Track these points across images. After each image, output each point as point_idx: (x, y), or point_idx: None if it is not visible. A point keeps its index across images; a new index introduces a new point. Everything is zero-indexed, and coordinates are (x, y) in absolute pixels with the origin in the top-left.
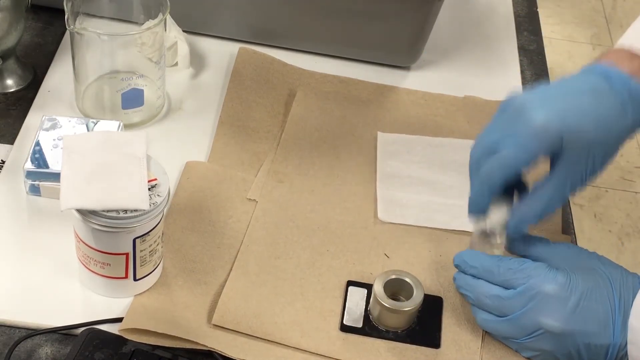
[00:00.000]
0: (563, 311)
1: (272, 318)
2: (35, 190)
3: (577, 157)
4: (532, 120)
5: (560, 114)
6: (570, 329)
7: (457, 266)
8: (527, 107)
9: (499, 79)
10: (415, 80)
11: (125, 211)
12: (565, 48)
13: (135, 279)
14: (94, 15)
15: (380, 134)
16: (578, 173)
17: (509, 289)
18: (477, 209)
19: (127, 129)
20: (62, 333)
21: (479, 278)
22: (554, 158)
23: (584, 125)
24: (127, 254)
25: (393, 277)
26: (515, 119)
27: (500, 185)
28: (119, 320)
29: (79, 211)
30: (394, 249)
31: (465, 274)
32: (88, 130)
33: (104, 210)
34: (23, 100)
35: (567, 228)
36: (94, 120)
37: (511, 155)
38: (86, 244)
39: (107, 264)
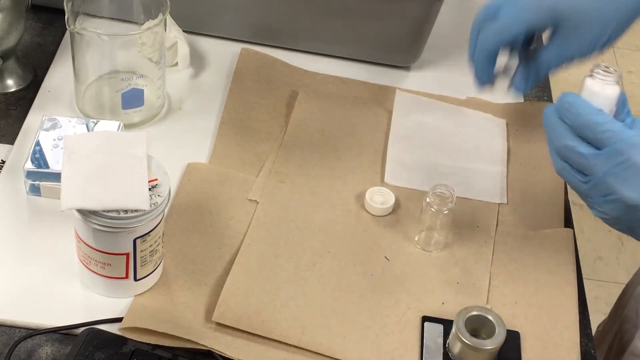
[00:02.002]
0: None
1: (272, 315)
2: (35, 190)
3: (572, 30)
4: None
5: None
6: None
7: (559, 101)
8: None
9: None
10: (415, 80)
11: (126, 211)
12: None
13: (135, 279)
14: (94, 15)
15: (398, 92)
16: (574, 46)
17: (597, 149)
18: (481, 78)
19: (127, 129)
20: (62, 333)
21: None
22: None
23: (580, 1)
24: (127, 254)
25: (474, 313)
26: None
27: (496, 52)
28: (119, 320)
29: (80, 211)
30: (394, 251)
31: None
32: (88, 130)
33: (104, 210)
34: (23, 100)
35: (568, 227)
36: (94, 120)
37: (506, 22)
38: (86, 244)
39: (108, 264)
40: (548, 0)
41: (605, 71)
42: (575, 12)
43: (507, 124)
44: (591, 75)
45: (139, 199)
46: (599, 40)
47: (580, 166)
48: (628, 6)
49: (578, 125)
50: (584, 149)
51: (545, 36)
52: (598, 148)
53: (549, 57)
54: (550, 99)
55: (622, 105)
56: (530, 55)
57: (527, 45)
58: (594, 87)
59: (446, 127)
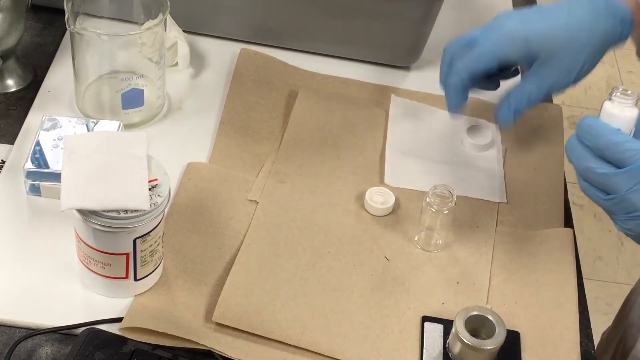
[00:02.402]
0: None
1: (272, 315)
2: (35, 190)
3: (548, 61)
4: (503, 26)
5: (528, 21)
6: None
7: (579, 125)
8: (501, 17)
9: None
10: (415, 80)
11: (126, 211)
12: None
13: (135, 279)
14: (94, 15)
15: (393, 97)
16: (551, 76)
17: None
18: (454, 105)
19: (127, 129)
20: (62, 333)
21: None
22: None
23: (552, 31)
24: (127, 254)
25: (474, 313)
26: (491, 27)
27: (468, 81)
28: (119, 320)
29: (80, 211)
30: (394, 251)
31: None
32: (88, 130)
33: (104, 210)
34: (23, 100)
35: (568, 227)
36: (94, 120)
37: (480, 53)
38: (87, 244)
39: (108, 264)
40: (521, 32)
41: (624, 94)
42: (547, 42)
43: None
44: (610, 99)
45: (139, 199)
46: (574, 69)
47: (602, 185)
48: (597, 35)
49: (598, 146)
50: (606, 169)
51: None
52: (619, 167)
53: (530, 89)
54: (550, 99)
55: None
56: (511, 89)
57: (504, 78)
58: (613, 110)
59: (441, 130)
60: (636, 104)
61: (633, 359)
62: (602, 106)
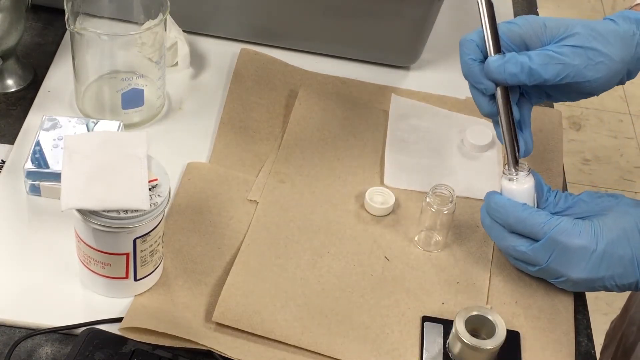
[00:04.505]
0: (587, 263)
1: (272, 315)
2: (35, 190)
3: None
4: None
5: None
6: (594, 277)
7: (487, 204)
8: None
9: None
10: (415, 80)
11: (126, 211)
12: None
13: (135, 279)
14: (94, 15)
15: (394, 97)
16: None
17: (535, 241)
18: (485, 111)
19: (127, 129)
20: (62, 333)
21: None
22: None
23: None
24: (127, 254)
25: (474, 313)
26: None
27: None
28: (119, 320)
29: (80, 211)
30: (395, 251)
31: (493, 219)
32: (88, 130)
33: (104, 211)
34: (23, 100)
35: None
36: (94, 120)
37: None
38: (87, 244)
39: (108, 264)
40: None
41: (515, 168)
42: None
43: None
44: (504, 175)
45: (139, 199)
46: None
47: (525, 260)
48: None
49: (509, 223)
50: (523, 246)
51: None
52: (535, 239)
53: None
54: (550, 104)
55: (540, 189)
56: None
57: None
58: (511, 186)
59: (441, 130)
60: (529, 172)
61: (636, 359)
62: (501, 184)
